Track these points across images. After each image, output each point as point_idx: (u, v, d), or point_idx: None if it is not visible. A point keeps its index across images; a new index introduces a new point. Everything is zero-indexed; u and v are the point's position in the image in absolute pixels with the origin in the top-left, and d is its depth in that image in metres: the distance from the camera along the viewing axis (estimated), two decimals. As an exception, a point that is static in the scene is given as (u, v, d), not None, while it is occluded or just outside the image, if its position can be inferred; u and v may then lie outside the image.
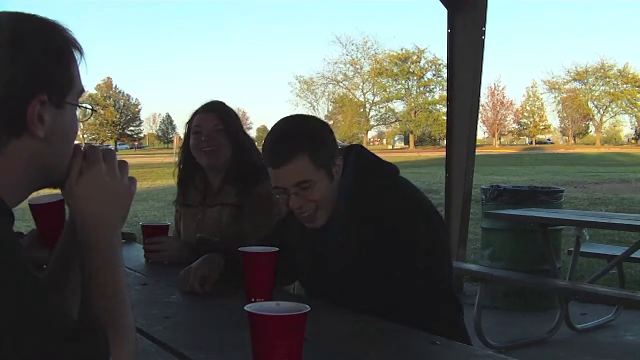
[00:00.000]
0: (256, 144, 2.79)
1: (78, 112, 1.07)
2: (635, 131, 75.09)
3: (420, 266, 1.80)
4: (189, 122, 2.70)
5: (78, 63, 1.05)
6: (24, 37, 0.98)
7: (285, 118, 1.96)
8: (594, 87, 68.05)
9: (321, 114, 64.21)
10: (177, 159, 2.77)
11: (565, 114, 73.09)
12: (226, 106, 2.71)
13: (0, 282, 0.85)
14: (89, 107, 1.11)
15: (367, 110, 66.18)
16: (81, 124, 1.11)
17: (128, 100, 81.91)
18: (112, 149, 1.15)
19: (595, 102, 69.43)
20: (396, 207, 1.82)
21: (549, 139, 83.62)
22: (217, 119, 2.62)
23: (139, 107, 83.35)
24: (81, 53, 1.06)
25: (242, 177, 2.58)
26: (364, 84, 65.41)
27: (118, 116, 78.89)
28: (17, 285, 0.87)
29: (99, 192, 1.05)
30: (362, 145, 2.07)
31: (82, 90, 1.07)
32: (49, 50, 1.00)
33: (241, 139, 2.66)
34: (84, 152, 1.07)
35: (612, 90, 66.32)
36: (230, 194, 2.60)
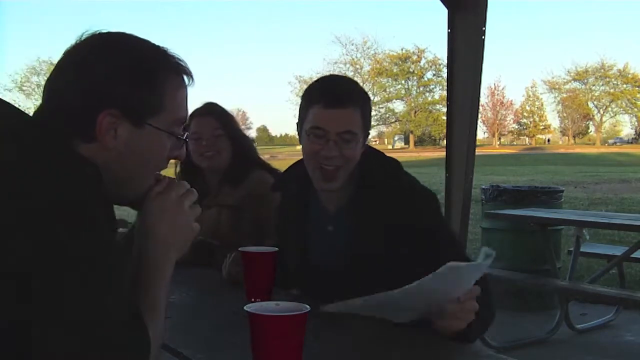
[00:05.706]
0: (255, 144, 2.77)
1: (171, 139, 1.10)
2: (635, 131, 75.05)
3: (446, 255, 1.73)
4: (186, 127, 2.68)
5: (181, 89, 1.10)
6: (108, 54, 1.05)
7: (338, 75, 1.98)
8: (594, 87, 67.97)
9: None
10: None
11: (565, 114, 73.07)
12: (222, 107, 2.68)
13: (78, 260, 0.90)
14: (181, 135, 1.13)
15: (367, 110, 65.95)
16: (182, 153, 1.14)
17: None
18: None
19: (595, 102, 69.39)
20: (416, 201, 1.76)
21: (548, 140, 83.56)
22: (215, 122, 2.58)
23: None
24: (190, 79, 1.11)
25: (241, 178, 2.57)
26: (364, 84, 65.31)
27: (118, 116, 78.97)
28: (93, 263, 0.93)
29: (171, 219, 1.11)
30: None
31: (181, 118, 1.11)
32: (135, 71, 1.05)
33: (240, 139, 2.65)
34: (167, 181, 1.14)
35: (612, 90, 66.23)
36: (228, 195, 2.58)
